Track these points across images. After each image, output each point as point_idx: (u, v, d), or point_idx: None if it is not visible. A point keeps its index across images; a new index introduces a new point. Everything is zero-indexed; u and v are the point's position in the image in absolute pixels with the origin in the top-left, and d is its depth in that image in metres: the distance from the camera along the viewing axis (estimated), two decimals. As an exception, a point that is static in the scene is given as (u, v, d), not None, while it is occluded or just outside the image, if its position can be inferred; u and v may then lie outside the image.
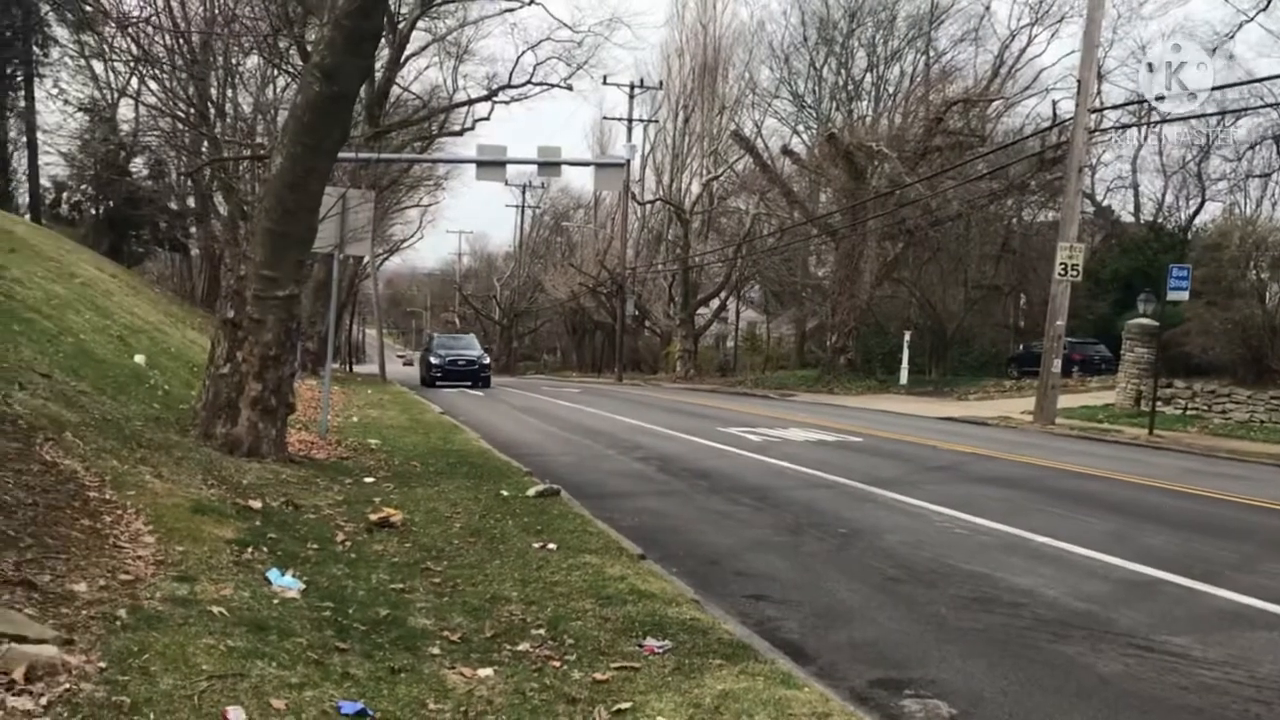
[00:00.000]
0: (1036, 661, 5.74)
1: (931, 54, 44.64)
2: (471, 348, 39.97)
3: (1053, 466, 14.41)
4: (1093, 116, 24.74)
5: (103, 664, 4.07)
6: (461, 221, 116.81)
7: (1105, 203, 46.25)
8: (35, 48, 34.45)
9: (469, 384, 36.17)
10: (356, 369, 59.48)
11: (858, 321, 41.49)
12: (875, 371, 41.25)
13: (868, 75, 45.76)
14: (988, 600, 7.04)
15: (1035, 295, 39.39)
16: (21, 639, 4.01)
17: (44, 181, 36.84)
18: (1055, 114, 33.18)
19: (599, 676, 5.04)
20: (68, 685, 3.80)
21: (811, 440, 17.82)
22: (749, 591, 7.29)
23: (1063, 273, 22.29)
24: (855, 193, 39.40)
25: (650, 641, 5.59)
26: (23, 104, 34.77)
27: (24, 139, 35.17)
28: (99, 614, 4.61)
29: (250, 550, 6.47)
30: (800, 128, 48.28)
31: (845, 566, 8.06)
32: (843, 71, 45.92)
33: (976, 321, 44.55)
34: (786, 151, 46.27)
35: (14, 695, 3.62)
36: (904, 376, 37.68)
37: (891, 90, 45.44)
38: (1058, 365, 22.88)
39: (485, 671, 5.00)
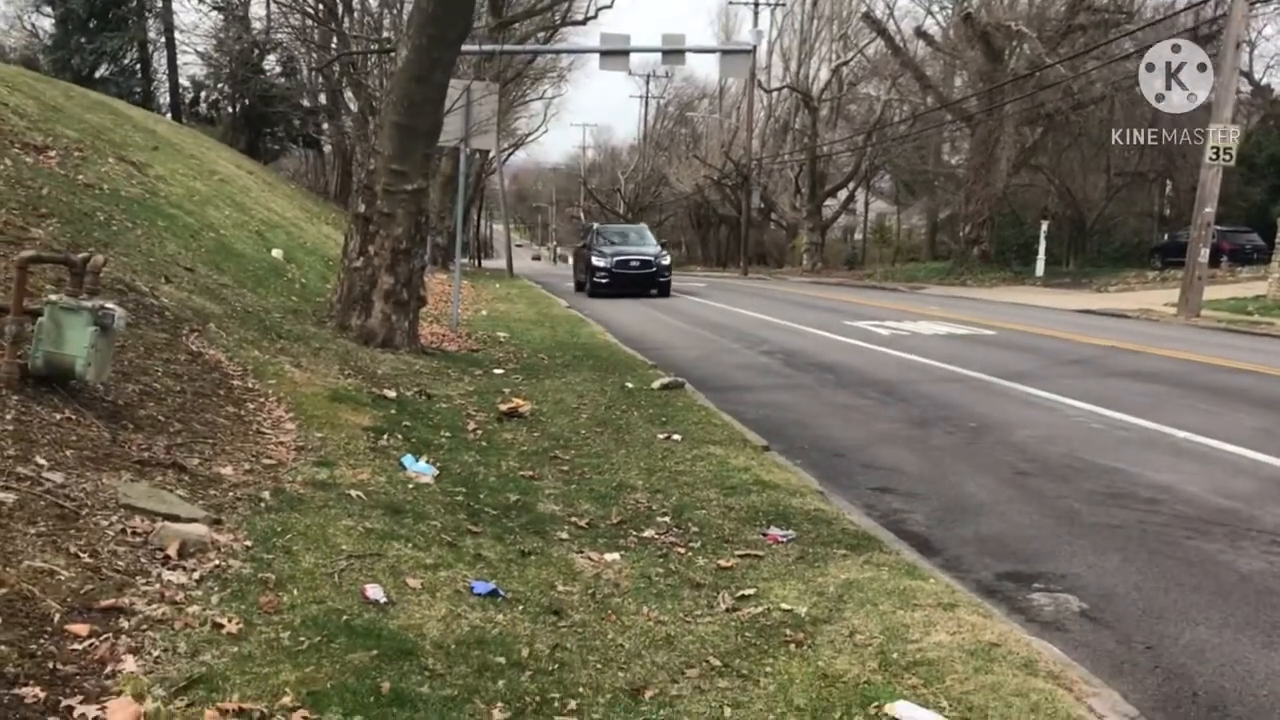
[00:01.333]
0: (1173, 558, 5.58)
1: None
2: (645, 242, 30.43)
3: (1197, 360, 13.82)
4: (1255, -13, 23.08)
5: (249, 542, 4.28)
6: (585, 114, 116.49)
7: (1264, 81, 43.40)
8: (170, -52, 35.15)
9: (641, 289, 27.83)
10: (484, 264, 60.40)
11: (992, 211, 40.14)
12: (1010, 263, 40.03)
13: (1008, -50, 43.39)
14: (1123, 496, 6.85)
15: (1183, 182, 37.45)
16: (174, 518, 4.25)
17: (183, 81, 37.92)
18: (1212, -15, 31.06)
19: (723, 563, 5.10)
20: (217, 561, 4.01)
21: (941, 334, 17.46)
22: (874, 484, 7.25)
23: (1214, 157, 21.04)
24: (992, 76, 37.74)
25: (774, 531, 5.63)
26: (160, 4, 35.64)
27: (163, 39, 36.14)
28: (244, 496, 4.84)
29: (386, 437, 6.69)
30: (935, 7, 46.10)
31: (974, 460, 7.93)
32: (981, -53, 43.63)
33: (1118, 210, 42.68)
34: (920, 33, 44.49)
35: (169, 569, 3.85)
36: (1040, 268, 36.47)
37: (1033, -35, 43.03)
38: (1205, 255, 21.74)
39: (612, 556, 5.11)
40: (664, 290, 28.04)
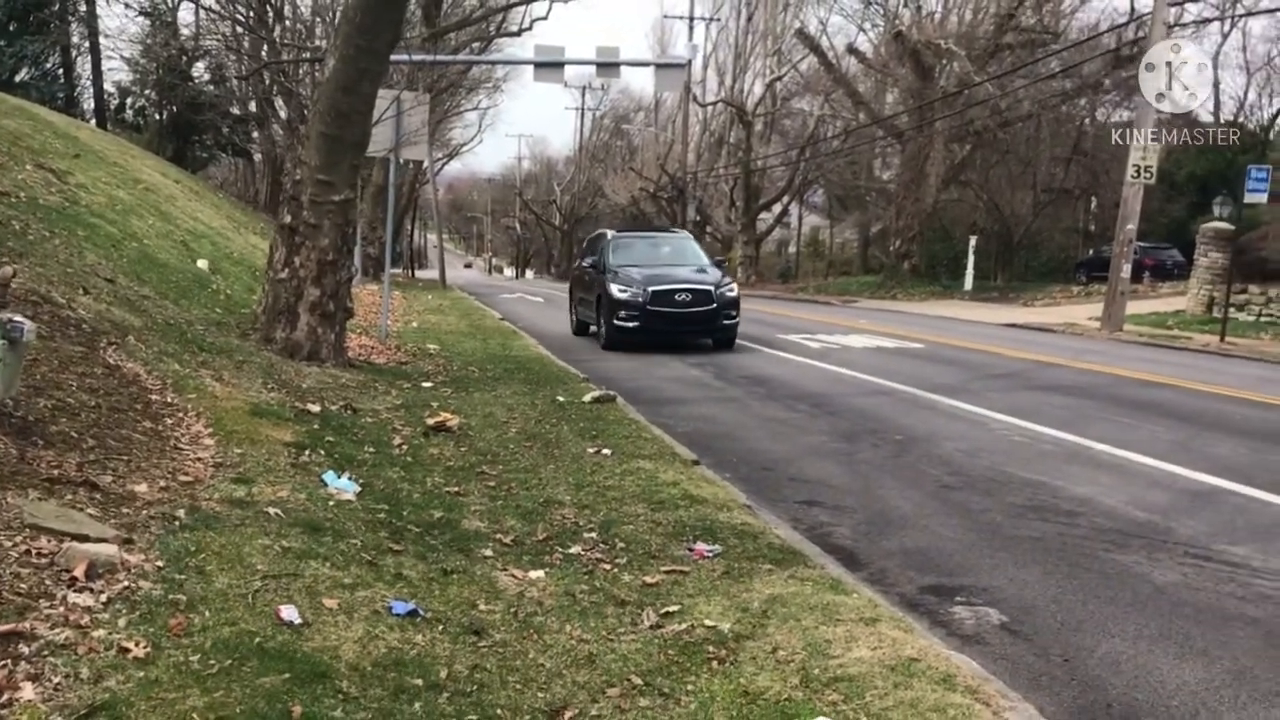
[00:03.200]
0: (1091, 570, 5.67)
1: (1005, -55, 42.82)
2: (691, 259, 18.95)
3: (1119, 374, 14.13)
4: (1173, 10, 23.73)
5: (160, 563, 4.16)
6: (521, 125, 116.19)
7: (1183, 101, 44.51)
8: (95, -50, 34.43)
9: (692, 336, 17.31)
10: (418, 274, 59.92)
11: (922, 226, 40.74)
12: (939, 277, 40.63)
13: (938, -31, 44.11)
14: (1044, 508, 6.96)
15: (1107, 199, 38.30)
16: (83, 538, 4.12)
17: (108, 87, 37.01)
18: (1133, 8, 32.00)
19: (648, 580, 5.08)
20: (126, 583, 3.90)
21: (871, 347, 17.64)
22: (802, 498, 7.28)
23: (1135, 175, 21.57)
24: (922, 93, 38.36)
25: (700, 546, 5.62)
26: (84, 8, 34.85)
27: (87, 44, 35.33)
28: (158, 514, 4.71)
29: (308, 453, 6.57)
30: (866, 25, 46.88)
31: (900, 473, 8.01)
32: (911, -35, 44.31)
33: (1045, 226, 43.54)
34: (852, 50, 45.06)
35: (75, 592, 3.72)
36: (969, 282, 37.08)
37: (962, -15, 43.78)
38: (1127, 270, 22.28)
39: (536, 574, 5.06)
40: (726, 339, 17.16)
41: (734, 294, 17.36)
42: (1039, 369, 14.75)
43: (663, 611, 4.65)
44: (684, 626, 4.47)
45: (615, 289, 17.11)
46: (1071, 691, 4.21)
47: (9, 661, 3.19)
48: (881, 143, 46.01)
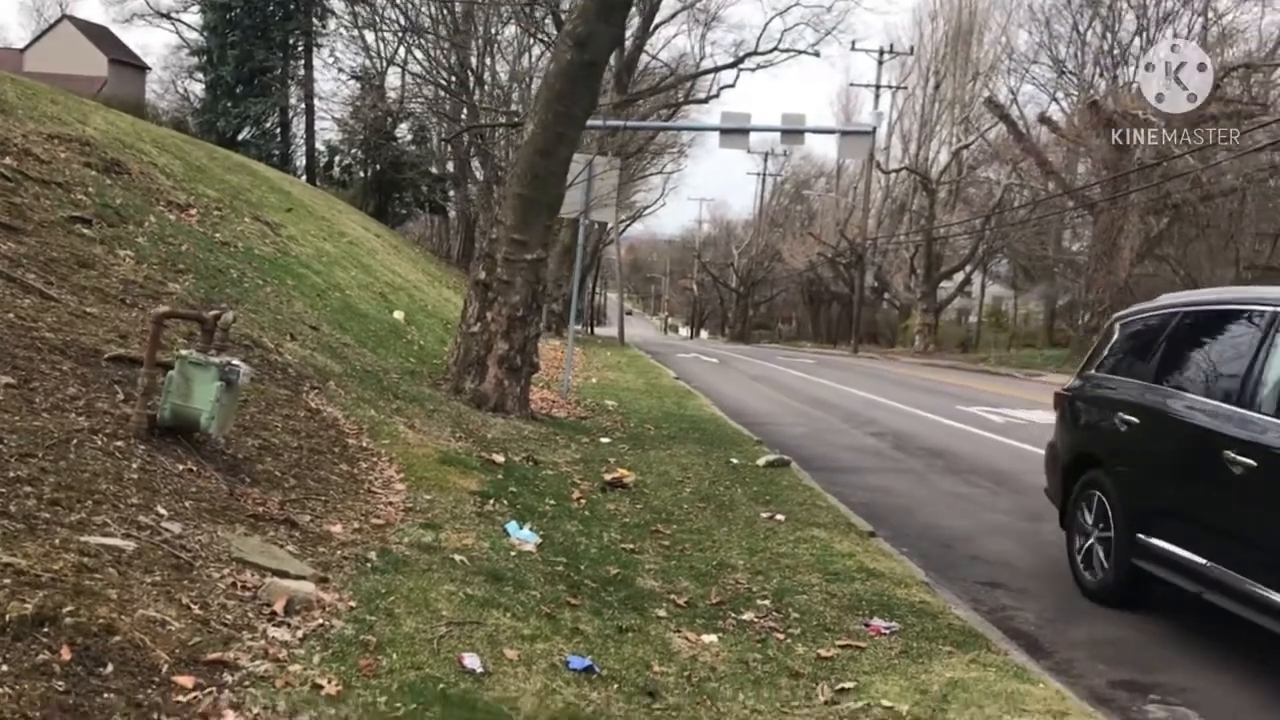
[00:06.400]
0: (1304, 678, 5.27)
1: (1210, 15, 41.18)
2: None
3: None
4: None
5: (353, 603, 4.34)
6: (702, 189, 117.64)
7: None
8: (314, 19, 36.98)
9: None
10: (596, 331, 61.08)
11: (1114, 300, 39.00)
12: (1131, 354, 38.84)
13: (1136, 39, 42.77)
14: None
15: (1321, 278, 36.02)
16: (283, 574, 4.33)
17: (319, 145, 39.55)
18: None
19: (823, 653, 4.99)
20: (321, 620, 4.07)
21: (1058, 424, 16.94)
22: (983, 578, 7.04)
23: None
24: (1117, 164, 37.06)
25: (877, 621, 5.49)
26: (302, 72, 37.37)
27: (303, 105, 37.83)
28: (352, 555, 4.92)
29: (492, 502, 6.75)
30: (1059, 94, 45.80)
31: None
32: (1109, 35, 43.12)
33: (1249, 304, 41.14)
34: (1044, 120, 44.00)
35: (274, 626, 3.91)
36: (1164, 360, 35.28)
37: (1164, 54, 42.29)
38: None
39: (709, 638, 5.04)
40: None
41: None
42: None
43: (838, 687, 4.55)
44: (860, 705, 4.37)
45: None
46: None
47: (214, 689, 3.35)
48: (1072, 213, 44.60)
